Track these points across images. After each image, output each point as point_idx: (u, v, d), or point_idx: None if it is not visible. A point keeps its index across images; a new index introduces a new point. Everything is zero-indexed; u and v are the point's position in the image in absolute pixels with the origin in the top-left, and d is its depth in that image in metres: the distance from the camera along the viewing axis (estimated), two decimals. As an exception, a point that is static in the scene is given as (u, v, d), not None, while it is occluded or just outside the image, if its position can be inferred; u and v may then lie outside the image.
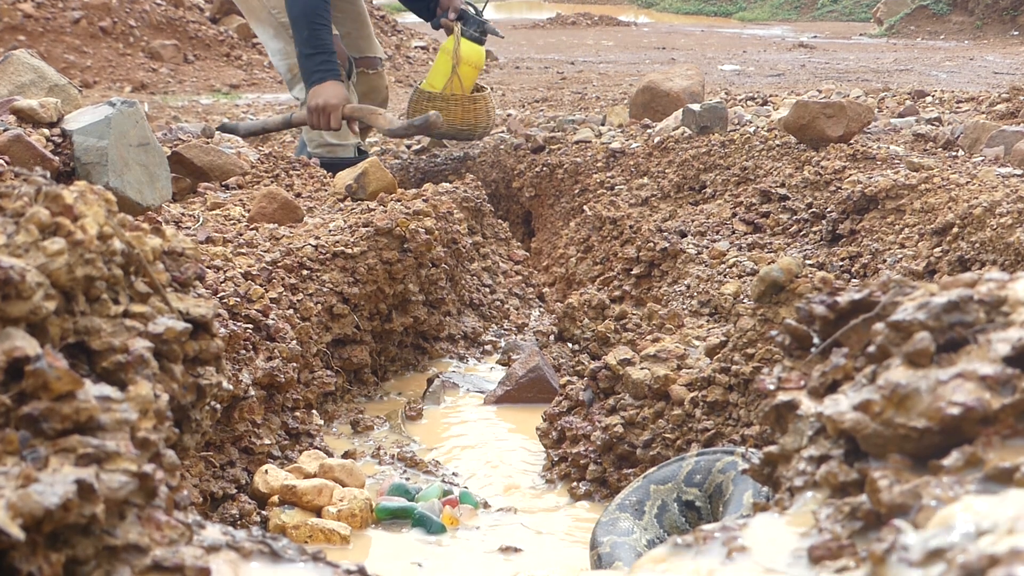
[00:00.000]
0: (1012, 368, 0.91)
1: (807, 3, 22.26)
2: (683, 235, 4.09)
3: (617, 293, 3.87)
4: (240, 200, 3.67)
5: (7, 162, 2.68)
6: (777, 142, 4.51)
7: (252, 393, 2.42)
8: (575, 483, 2.56)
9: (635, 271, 3.90)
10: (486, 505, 2.47)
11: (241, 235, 3.08)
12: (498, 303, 3.93)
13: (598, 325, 3.22)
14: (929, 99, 6.27)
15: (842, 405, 0.99)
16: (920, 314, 0.99)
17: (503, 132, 5.75)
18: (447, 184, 4.22)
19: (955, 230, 3.37)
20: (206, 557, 0.95)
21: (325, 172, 4.39)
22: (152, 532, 0.94)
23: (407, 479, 2.59)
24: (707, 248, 3.86)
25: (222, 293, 2.57)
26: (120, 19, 10.35)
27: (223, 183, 3.95)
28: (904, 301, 1.03)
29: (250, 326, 2.57)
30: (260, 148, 4.82)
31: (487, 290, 3.92)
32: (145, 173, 3.01)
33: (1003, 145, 4.25)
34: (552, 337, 3.42)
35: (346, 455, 2.68)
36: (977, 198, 3.41)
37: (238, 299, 2.59)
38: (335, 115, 4.84)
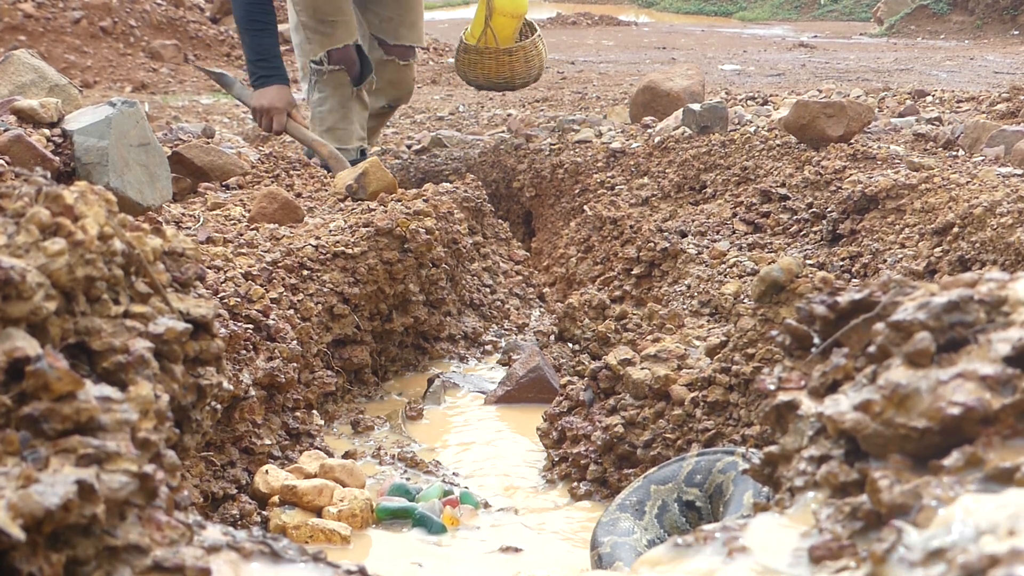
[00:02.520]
0: (1012, 368, 0.91)
1: (807, 3, 22.25)
2: (683, 235, 4.09)
3: (617, 293, 3.87)
4: (240, 200, 3.67)
5: (7, 162, 2.68)
6: (777, 142, 4.51)
7: (252, 393, 2.42)
8: (575, 483, 2.56)
9: (635, 271, 3.90)
10: (486, 505, 2.48)
11: (241, 235, 3.08)
12: (498, 303, 3.93)
13: (598, 325, 3.22)
14: (929, 99, 6.27)
15: (842, 405, 0.99)
16: (920, 314, 0.99)
17: (503, 132, 5.75)
18: (447, 184, 4.22)
19: (955, 230, 3.37)
20: (206, 557, 0.95)
21: (326, 172, 4.39)
22: (153, 532, 0.94)
23: (407, 479, 2.59)
24: (707, 248, 3.86)
25: (222, 293, 2.57)
26: (120, 19, 10.35)
27: (223, 183, 3.96)
28: (904, 301, 1.03)
29: (250, 326, 2.57)
30: (260, 148, 4.82)
31: (487, 290, 3.92)
32: (145, 173, 3.02)
33: (1003, 145, 4.25)
34: (552, 337, 3.42)
35: (346, 455, 2.68)
36: (977, 198, 3.41)
37: (238, 299, 2.59)
38: (278, 119, 4.77)
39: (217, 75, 5.09)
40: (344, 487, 2.36)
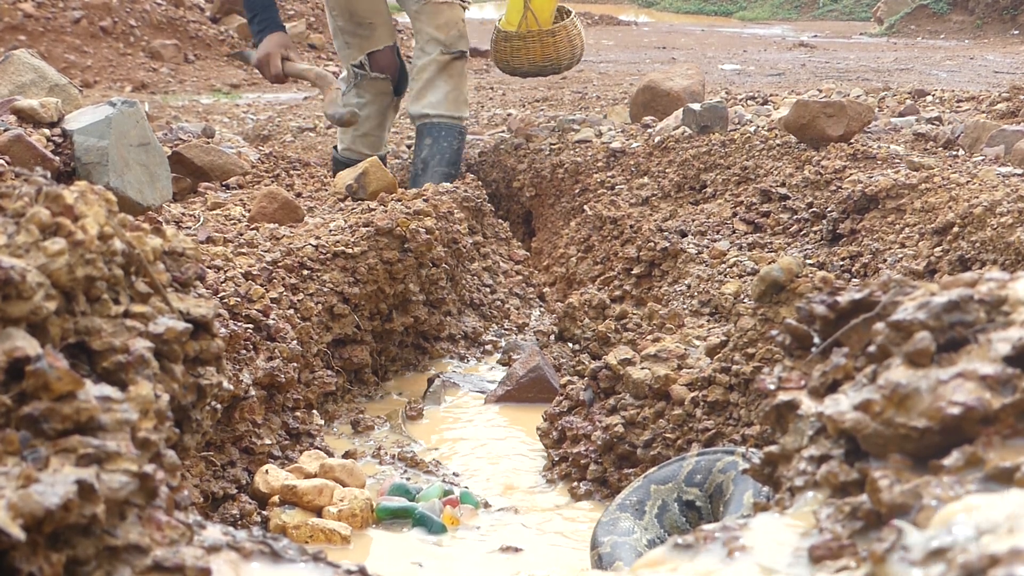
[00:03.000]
0: (1012, 368, 0.91)
1: (807, 2, 22.26)
2: (683, 235, 4.09)
3: (617, 293, 3.87)
4: (240, 200, 3.67)
5: (8, 162, 2.68)
6: (777, 141, 4.51)
7: (252, 393, 2.42)
8: (575, 483, 2.56)
9: (635, 271, 3.90)
10: (487, 505, 2.48)
11: (241, 235, 3.08)
12: (498, 303, 3.92)
13: (598, 325, 3.22)
14: (929, 98, 6.27)
15: (842, 405, 0.99)
16: (920, 314, 0.99)
17: (503, 132, 5.74)
18: (447, 183, 4.22)
19: (955, 229, 3.37)
20: (207, 557, 0.95)
21: (326, 172, 4.39)
22: (153, 532, 0.94)
23: (408, 479, 2.59)
24: (707, 248, 3.86)
25: (222, 293, 2.57)
26: (120, 19, 10.35)
27: (223, 183, 3.96)
28: (904, 301, 1.03)
29: (250, 326, 2.57)
30: (260, 148, 4.82)
31: (487, 290, 3.92)
32: (145, 173, 3.02)
33: (1003, 144, 4.25)
34: (552, 337, 3.42)
35: (347, 455, 2.68)
36: (977, 197, 3.41)
37: (238, 299, 2.59)
38: (273, 63, 4.65)
39: (238, 54, 5.11)
40: (344, 487, 2.36)
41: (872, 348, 1.02)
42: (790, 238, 4.00)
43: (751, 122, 5.20)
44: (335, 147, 5.19)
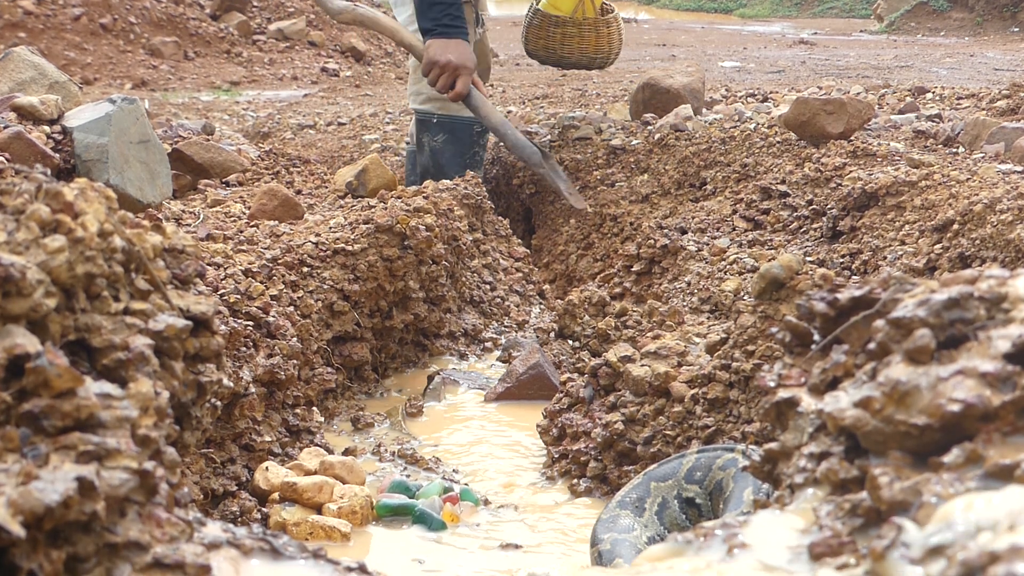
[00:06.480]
0: (1012, 365, 0.91)
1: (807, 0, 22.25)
2: (683, 232, 4.09)
3: (617, 290, 3.87)
4: (240, 197, 3.67)
5: (7, 159, 2.68)
6: (777, 139, 4.51)
7: (252, 390, 2.42)
8: (575, 480, 2.56)
9: (635, 268, 3.90)
10: (486, 502, 2.48)
11: (241, 232, 3.08)
12: (498, 300, 3.92)
13: (598, 322, 3.22)
14: (929, 96, 6.26)
15: (842, 402, 0.99)
16: (920, 311, 0.99)
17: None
18: (447, 181, 4.21)
19: (955, 227, 3.37)
20: (207, 554, 0.95)
21: (326, 169, 4.38)
22: (153, 529, 0.94)
23: (407, 476, 2.59)
24: (707, 245, 3.86)
25: (222, 290, 2.57)
26: (120, 16, 10.35)
27: (223, 180, 3.96)
28: (904, 298, 1.03)
29: (250, 323, 2.57)
30: (261, 145, 4.82)
31: (487, 287, 3.91)
32: (145, 170, 3.02)
33: (1003, 142, 4.25)
34: (553, 334, 3.42)
35: (347, 452, 2.68)
36: (977, 195, 3.41)
37: (238, 296, 2.59)
38: (464, 79, 4.09)
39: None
40: (344, 484, 2.36)
41: (872, 345, 1.02)
42: (790, 235, 4.00)
43: (751, 119, 5.20)
44: (414, 109, 4.75)
